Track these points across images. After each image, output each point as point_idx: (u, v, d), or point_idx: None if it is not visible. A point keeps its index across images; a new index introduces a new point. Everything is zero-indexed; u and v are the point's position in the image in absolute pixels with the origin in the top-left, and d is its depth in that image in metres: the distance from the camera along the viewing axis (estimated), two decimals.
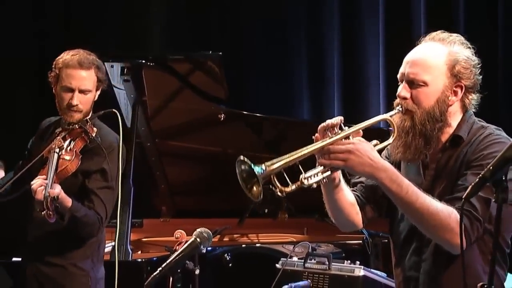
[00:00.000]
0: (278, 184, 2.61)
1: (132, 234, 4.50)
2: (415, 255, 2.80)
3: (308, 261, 4.26)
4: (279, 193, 2.62)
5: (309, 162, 2.63)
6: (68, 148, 3.83)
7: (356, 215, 2.88)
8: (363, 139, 2.66)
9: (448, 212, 2.58)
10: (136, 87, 5.19)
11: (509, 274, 3.86)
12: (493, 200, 2.31)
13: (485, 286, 2.27)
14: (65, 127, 3.89)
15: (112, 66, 5.10)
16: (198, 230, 3.08)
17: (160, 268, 2.98)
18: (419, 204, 2.59)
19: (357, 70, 6.26)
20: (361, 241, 4.97)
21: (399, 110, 2.73)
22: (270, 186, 2.62)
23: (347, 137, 2.64)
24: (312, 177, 2.63)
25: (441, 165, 2.76)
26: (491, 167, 2.21)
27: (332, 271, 4.17)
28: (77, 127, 3.86)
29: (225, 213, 5.45)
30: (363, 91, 6.24)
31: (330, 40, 6.41)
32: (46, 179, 3.68)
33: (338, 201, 2.82)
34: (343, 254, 4.82)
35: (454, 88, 2.73)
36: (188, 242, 3.05)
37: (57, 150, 3.79)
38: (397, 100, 2.75)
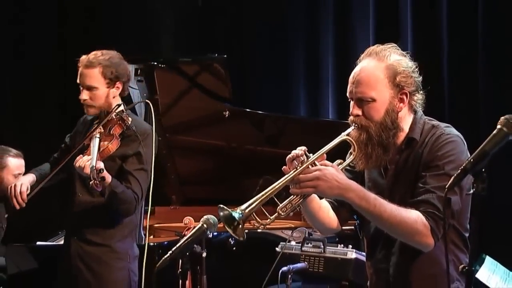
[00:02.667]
0: (259, 220, 2.67)
1: (144, 220, 4.48)
2: (384, 249, 2.80)
3: (305, 245, 4.26)
4: (260, 229, 2.67)
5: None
6: (108, 133, 3.87)
7: (333, 220, 2.90)
8: (328, 162, 2.66)
9: (414, 218, 2.58)
10: (148, 87, 5.19)
11: (487, 257, 3.88)
12: (453, 198, 2.40)
13: (466, 268, 2.26)
14: (102, 117, 3.91)
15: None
16: (205, 216, 3.07)
17: (171, 252, 2.97)
18: (387, 215, 2.59)
19: (349, 71, 6.20)
20: (353, 227, 4.95)
21: (355, 127, 2.73)
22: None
23: (313, 163, 2.63)
24: (287, 207, 2.68)
25: (399, 166, 2.76)
26: (471, 160, 2.20)
27: (326, 254, 4.17)
28: (114, 116, 3.88)
29: (229, 201, 5.41)
30: None
31: (325, 44, 6.39)
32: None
33: (315, 214, 2.85)
34: (337, 239, 4.81)
35: (400, 96, 2.73)
36: (196, 228, 3.03)
37: (98, 135, 3.82)
38: (351, 118, 2.75)
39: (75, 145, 4.01)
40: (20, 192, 3.98)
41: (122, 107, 3.97)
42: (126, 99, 4.15)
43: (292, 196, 2.68)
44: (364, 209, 2.61)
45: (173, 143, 5.55)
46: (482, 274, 3.74)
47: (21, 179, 4.12)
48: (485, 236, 4.76)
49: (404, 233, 2.60)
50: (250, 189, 5.56)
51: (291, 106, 6.56)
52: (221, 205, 2.63)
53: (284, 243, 4.30)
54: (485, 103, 5.26)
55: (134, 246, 4.04)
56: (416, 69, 2.78)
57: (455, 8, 5.46)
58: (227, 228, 2.63)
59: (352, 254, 4.10)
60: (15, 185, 4.01)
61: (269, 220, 2.67)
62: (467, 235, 2.76)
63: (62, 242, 4.80)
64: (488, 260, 3.88)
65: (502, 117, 2.24)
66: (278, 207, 2.67)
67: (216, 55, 5.32)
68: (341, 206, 2.88)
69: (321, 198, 2.84)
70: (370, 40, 6.09)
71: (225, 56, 5.24)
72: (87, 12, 6.93)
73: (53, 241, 4.87)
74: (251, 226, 5.34)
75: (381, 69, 2.72)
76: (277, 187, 2.63)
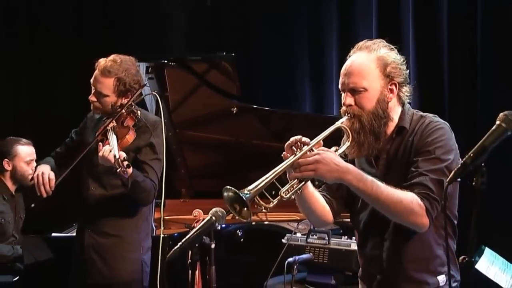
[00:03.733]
0: (262, 202, 2.65)
1: (155, 212, 4.48)
2: (377, 235, 2.80)
3: (310, 236, 4.26)
4: (264, 210, 2.66)
5: None
6: (121, 125, 3.86)
7: (327, 213, 2.90)
8: (325, 148, 2.68)
9: (409, 199, 2.59)
10: (159, 84, 5.19)
11: (486, 248, 3.86)
12: (446, 180, 2.37)
13: (466, 259, 2.26)
14: (112, 112, 3.88)
15: (138, 66, 5.09)
16: (214, 209, 3.06)
17: (181, 243, 2.96)
18: (385, 196, 2.60)
19: None
20: None
21: (348, 116, 2.74)
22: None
23: (311, 150, 2.65)
24: (289, 190, 2.67)
25: (391, 155, 2.77)
26: (471, 154, 2.19)
27: (331, 246, 4.17)
28: (124, 110, 3.87)
29: None
30: None
31: (329, 43, 6.38)
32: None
33: (311, 205, 2.86)
34: (341, 231, 4.81)
35: (390, 87, 2.75)
36: (205, 220, 3.03)
37: (112, 128, 3.81)
38: (344, 108, 2.76)
39: (87, 141, 3.99)
40: (49, 180, 3.93)
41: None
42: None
43: (292, 180, 2.68)
44: (362, 191, 2.62)
45: (183, 138, 5.55)
46: (482, 265, 3.73)
47: (42, 167, 4.02)
48: (485, 228, 4.76)
49: (401, 213, 2.61)
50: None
51: (296, 103, 6.55)
52: (227, 186, 2.63)
53: (290, 235, 4.30)
54: (482, 101, 5.24)
55: (147, 238, 4.03)
56: (404, 62, 2.81)
57: (455, 6, 5.44)
58: (231, 210, 2.64)
59: (355, 245, 4.09)
60: (42, 173, 3.94)
61: (271, 203, 2.65)
62: (455, 221, 2.79)
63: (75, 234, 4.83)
64: (487, 251, 3.86)
65: (501, 113, 2.24)
66: (280, 190, 2.66)
67: (224, 53, 5.31)
68: (334, 198, 2.89)
69: (318, 187, 2.84)
70: (373, 37, 6.07)
71: (233, 54, 5.23)
72: (102, 12, 6.93)
73: (67, 233, 4.88)
74: (258, 219, 5.36)
75: (372, 60, 2.75)
76: (278, 171, 2.63)
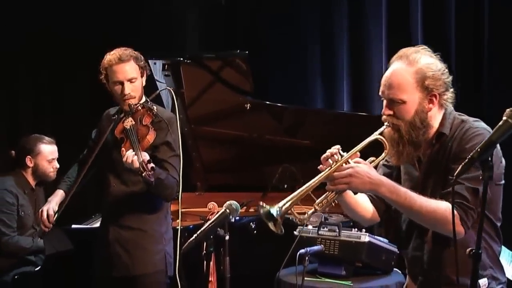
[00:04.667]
0: (297, 215, 2.72)
1: (171, 205, 4.49)
2: (418, 237, 2.79)
3: (321, 229, 4.25)
4: (298, 222, 2.69)
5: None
6: (141, 124, 3.84)
7: (372, 212, 2.91)
8: (361, 160, 2.68)
9: (444, 208, 2.56)
10: (175, 81, 5.20)
11: (503, 247, 3.83)
12: (480, 188, 2.33)
13: (473, 250, 2.25)
14: (129, 110, 3.86)
15: (155, 63, 5.11)
16: (228, 202, 3.07)
17: (196, 235, 2.98)
18: (418, 207, 2.59)
19: (363, 67, 6.23)
20: None
21: (387, 125, 2.72)
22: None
23: (346, 161, 2.65)
24: (323, 203, 2.71)
25: (431, 160, 2.74)
26: (479, 149, 2.19)
27: (341, 237, 4.15)
28: (141, 107, 3.85)
29: (250, 188, 5.44)
30: (368, 85, 6.21)
31: (340, 42, 6.37)
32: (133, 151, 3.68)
33: (353, 208, 2.88)
34: (351, 223, 4.80)
35: (429, 98, 2.70)
36: (219, 213, 3.04)
37: (132, 128, 3.79)
38: (384, 117, 2.74)
39: (106, 141, 3.96)
40: (48, 216, 4.04)
41: (144, 97, 3.96)
42: (150, 91, 4.14)
43: (328, 192, 2.70)
44: (395, 202, 2.62)
45: (198, 133, 5.56)
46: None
47: (47, 204, 4.13)
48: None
49: (435, 223, 2.60)
50: (270, 176, 5.59)
51: (308, 99, 6.54)
52: (261, 203, 2.66)
53: (301, 227, 4.29)
54: (489, 98, 5.23)
55: (168, 229, 4.02)
56: (445, 71, 2.74)
57: (462, 6, 5.43)
58: (267, 223, 2.66)
59: (365, 237, 4.08)
60: (42, 211, 4.07)
61: (306, 215, 2.69)
62: (499, 224, 2.74)
63: (95, 225, 4.84)
64: (505, 251, 3.84)
65: (508, 109, 2.24)
66: (315, 203, 2.69)
67: (238, 51, 5.31)
68: (379, 198, 2.86)
69: (355, 193, 2.83)
70: (383, 37, 6.05)
71: (247, 52, 5.23)
72: (117, 11, 6.94)
73: (86, 224, 4.90)
74: None
75: (411, 74, 2.69)
76: (312, 184, 2.66)
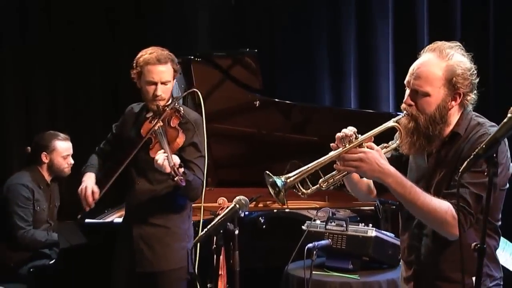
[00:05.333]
0: (301, 188, 2.65)
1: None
2: (417, 228, 2.76)
3: (329, 223, 4.25)
4: (301, 195, 2.66)
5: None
6: (169, 126, 3.80)
7: (371, 190, 2.90)
8: (374, 145, 2.63)
9: (444, 209, 2.53)
10: (186, 79, 5.20)
11: (507, 241, 3.83)
12: (484, 195, 2.32)
13: (478, 245, 2.25)
14: (157, 110, 3.82)
15: None
16: (237, 197, 3.08)
17: (206, 229, 2.98)
18: (420, 203, 2.56)
19: (370, 65, 6.23)
20: (373, 207, 4.95)
21: (406, 114, 2.68)
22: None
23: (360, 145, 2.61)
24: (328, 181, 2.68)
25: (441, 156, 2.70)
26: (483, 146, 2.18)
27: (349, 232, 4.16)
28: (169, 108, 3.80)
29: (259, 183, 5.41)
30: (375, 83, 6.20)
31: (348, 40, 6.36)
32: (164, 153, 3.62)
33: (356, 185, 2.87)
34: (358, 218, 4.81)
35: (454, 95, 2.66)
36: (229, 208, 3.04)
37: (160, 130, 3.75)
38: (404, 105, 2.70)
39: (128, 136, 3.95)
40: (93, 193, 3.85)
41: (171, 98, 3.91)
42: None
43: (335, 171, 2.66)
44: (399, 194, 2.58)
45: (208, 130, 5.55)
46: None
47: (87, 180, 3.93)
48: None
49: (433, 221, 2.57)
50: (279, 172, 5.58)
51: (316, 96, 6.53)
52: (267, 172, 2.64)
53: (309, 222, 4.29)
54: (495, 96, 5.21)
55: (191, 226, 4.00)
56: (474, 72, 2.70)
57: (468, 5, 5.42)
58: (271, 192, 2.64)
59: (372, 232, 4.09)
60: (86, 187, 3.86)
61: (310, 190, 2.65)
62: (498, 224, 2.72)
63: (108, 220, 4.86)
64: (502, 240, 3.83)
65: None
66: (320, 180, 2.65)
67: (248, 49, 5.31)
68: None
69: (361, 177, 2.82)
70: (390, 36, 6.04)
71: (256, 50, 5.23)
72: (134, 12, 6.97)
73: (100, 219, 4.92)
74: (280, 207, 5.36)
75: (441, 68, 2.64)
76: (322, 162, 2.62)
